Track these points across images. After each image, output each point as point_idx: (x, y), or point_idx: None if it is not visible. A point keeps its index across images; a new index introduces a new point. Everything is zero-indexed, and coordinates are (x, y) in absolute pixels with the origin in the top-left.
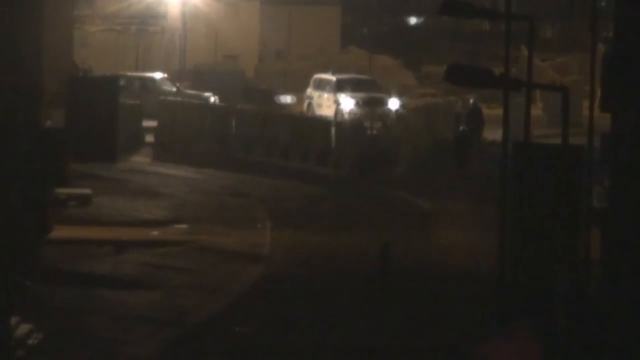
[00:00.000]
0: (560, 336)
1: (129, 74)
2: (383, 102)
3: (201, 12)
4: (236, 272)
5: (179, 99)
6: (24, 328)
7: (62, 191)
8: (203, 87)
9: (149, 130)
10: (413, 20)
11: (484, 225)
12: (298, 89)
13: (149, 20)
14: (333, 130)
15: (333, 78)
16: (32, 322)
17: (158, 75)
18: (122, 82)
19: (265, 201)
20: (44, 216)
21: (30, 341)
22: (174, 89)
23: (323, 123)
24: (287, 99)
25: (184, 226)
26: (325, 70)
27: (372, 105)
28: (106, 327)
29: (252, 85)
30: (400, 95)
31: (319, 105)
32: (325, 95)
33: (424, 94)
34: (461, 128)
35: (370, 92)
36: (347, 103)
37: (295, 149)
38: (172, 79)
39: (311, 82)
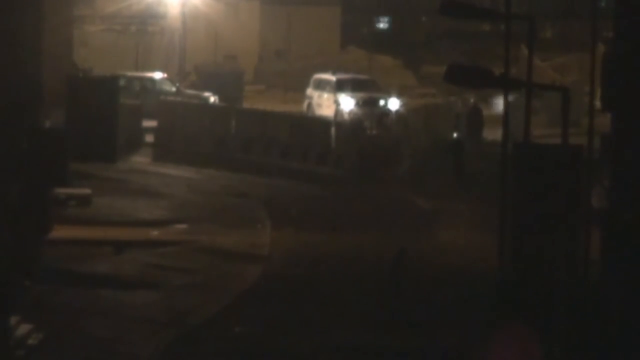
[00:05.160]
0: (560, 335)
1: (129, 74)
2: (383, 102)
3: (201, 12)
4: (236, 272)
5: (179, 99)
6: (24, 328)
7: (62, 191)
8: (203, 87)
9: (149, 130)
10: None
11: (484, 225)
12: (298, 89)
13: (148, 20)
14: (333, 130)
15: (333, 78)
16: (32, 322)
17: (158, 75)
18: (122, 82)
19: (265, 201)
20: (44, 216)
21: (30, 341)
22: (174, 89)
23: (323, 123)
24: None
25: (184, 226)
26: (325, 70)
27: (372, 105)
28: (106, 327)
29: None
30: (400, 95)
31: (319, 105)
32: (325, 95)
33: (424, 94)
34: (455, 135)
35: (370, 92)
36: (347, 103)
37: (295, 149)
38: (173, 79)
39: (311, 82)
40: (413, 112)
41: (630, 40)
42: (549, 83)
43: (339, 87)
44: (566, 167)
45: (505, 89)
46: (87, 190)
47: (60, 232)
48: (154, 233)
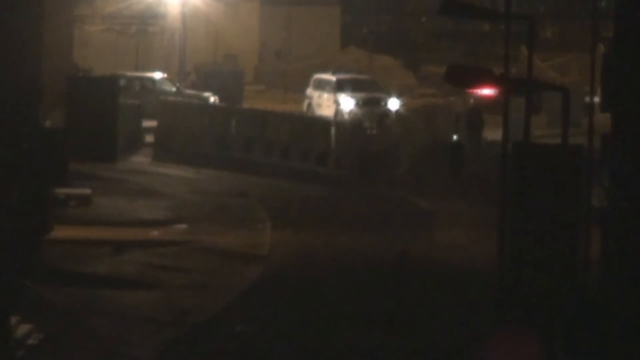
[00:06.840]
0: (560, 336)
1: (129, 74)
2: (383, 102)
3: (201, 12)
4: (236, 272)
5: (178, 99)
6: (24, 328)
7: (62, 191)
8: (203, 87)
9: (149, 130)
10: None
11: (484, 225)
12: (298, 89)
13: (149, 20)
14: (333, 130)
15: (333, 78)
16: (32, 322)
17: (158, 75)
18: (122, 82)
19: (265, 201)
20: (44, 216)
21: (30, 341)
22: (174, 89)
23: (323, 123)
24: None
25: (184, 226)
26: (325, 70)
27: (372, 105)
28: (106, 327)
29: None
30: (400, 95)
31: (319, 105)
32: (325, 95)
33: (424, 94)
34: (455, 137)
35: (370, 92)
36: (347, 103)
37: (295, 149)
38: (173, 79)
39: (311, 82)
40: (413, 112)
41: (630, 40)
42: (549, 83)
43: (339, 87)
44: (566, 167)
45: (505, 89)
46: (87, 190)
47: (60, 232)
48: (154, 233)
